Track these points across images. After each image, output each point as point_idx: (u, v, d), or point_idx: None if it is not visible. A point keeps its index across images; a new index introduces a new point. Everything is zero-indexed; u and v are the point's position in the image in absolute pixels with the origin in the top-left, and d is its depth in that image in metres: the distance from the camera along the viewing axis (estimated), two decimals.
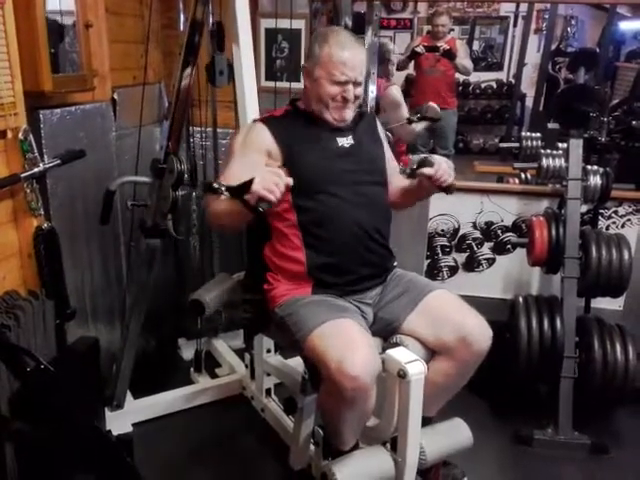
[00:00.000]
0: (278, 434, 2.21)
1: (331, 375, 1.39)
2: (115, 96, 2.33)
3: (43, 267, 1.85)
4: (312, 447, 1.89)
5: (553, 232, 2.24)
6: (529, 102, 6.46)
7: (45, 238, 1.83)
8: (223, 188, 1.43)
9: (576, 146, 2.27)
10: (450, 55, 4.12)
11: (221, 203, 1.51)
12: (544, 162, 2.31)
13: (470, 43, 7.67)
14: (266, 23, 2.64)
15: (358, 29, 2.93)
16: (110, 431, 2.17)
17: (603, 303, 2.56)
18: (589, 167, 2.31)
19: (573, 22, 7.03)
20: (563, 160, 2.30)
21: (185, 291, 2.83)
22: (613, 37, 6.24)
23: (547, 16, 7.03)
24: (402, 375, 1.46)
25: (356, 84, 1.66)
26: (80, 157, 1.98)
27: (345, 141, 1.72)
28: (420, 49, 4.11)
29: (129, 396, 2.29)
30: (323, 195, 1.63)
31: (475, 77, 6.93)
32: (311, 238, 1.64)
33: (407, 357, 1.49)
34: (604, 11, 6.92)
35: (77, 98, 2.12)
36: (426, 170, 1.64)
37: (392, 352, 1.51)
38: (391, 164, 1.87)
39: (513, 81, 6.93)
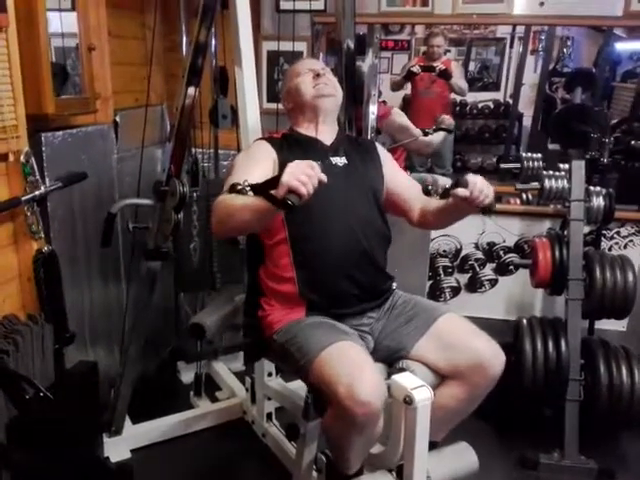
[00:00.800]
0: (280, 460, 2.17)
1: (341, 401, 1.36)
2: (117, 118, 2.33)
3: (43, 291, 1.83)
4: (315, 474, 1.85)
5: (557, 253, 2.22)
6: (526, 121, 6.49)
7: (45, 261, 1.82)
8: (247, 187, 1.35)
9: (578, 167, 2.27)
10: (446, 75, 4.13)
11: (238, 199, 1.40)
12: (546, 183, 2.30)
13: (466, 64, 7.74)
14: (268, 45, 2.65)
15: (358, 51, 2.96)
16: (108, 458, 2.14)
17: (607, 324, 2.54)
18: (592, 188, 2.30)
19: (569, 43, 7.11)
20: (565, 181, 2.29)
21: (184, 310, 2.84)
22: (609, 57, 6.30)
23: (543, 37, 7.12)
24: (408, 402, 1.43)
25: (322, 69, 1.78)
26: (82, 179, 1.98)
27: (339, 160, 1.73)
28: (416, 69, 4.12)
29: (128, 421, 2.25)
30: (314, 210, 1.59)
31: (472, 97, 6.97)
32: (301, 256, 1.63)
33: (413, 383, 1.46)
34: (600, 32, 7.00)
35: (79, 120, 2.12)
36: (460, 192, 1.53)
37: (398, 378, 1.49)
38: (407, 184, 1.87)
39: (510, 101, 6.98)
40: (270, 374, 2.24)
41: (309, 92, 1.75)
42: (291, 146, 1.73)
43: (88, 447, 2.04)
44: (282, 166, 1.59)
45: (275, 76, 2.71)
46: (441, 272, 2.79)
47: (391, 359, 1.66)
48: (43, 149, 1.88)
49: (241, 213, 1.43)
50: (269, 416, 2.29)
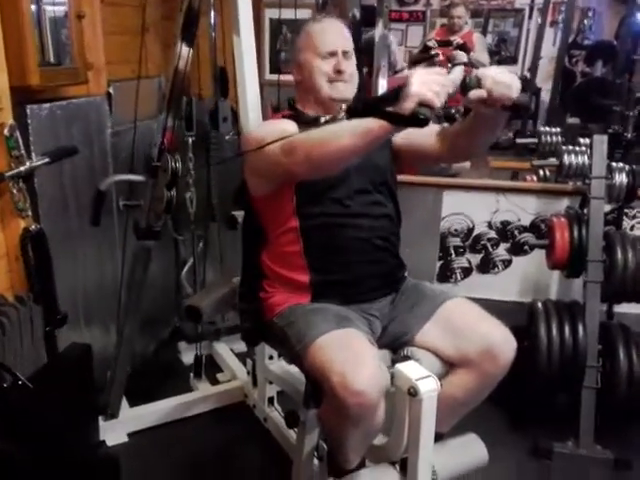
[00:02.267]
0: (281, 445, 2.09)
1: (333, 390, 1.27)
2: (111, 90, 2.21)
3: (31, 270, 1.75)
4: (316, 462, 1.77)
5: (575, 233, 2.09)
6: (544, 96, 6.27)
7: (33, 240, 1.73)
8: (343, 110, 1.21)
9: (600, 142, 2.13)
10: (465, 50, 3.95)
11: (332, 126, 1.26)
12: (565, 159, 2.17)
13: (484, 37, 7.51)
14: (270, 13, 2.52)
15: (368, 22, 2.81)
16: (104, 441, 2.08)
17: (626, 308, 2.41)
18: (614, 164, 2.16)
19: (590, 14, 6.85)
20: (586, 157, 2.15)
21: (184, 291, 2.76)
22: (632, 29, 6.05)
23: (563, 8, 6.86)
24: (413, 393, 1.33)
25: (345, 54, 1.56)
26: (72, 154, 1.88)
27: None
28: (432, 43, 3.94)
29: (125, 404, 2.19)
30: (327, 201, 1.51)
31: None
32: (313, 246, 1.52)
33: (418, 373, 1.36)
34: (622, 2, 6.72)
35: (69, 92, 2.02)
36: (473, 94, 1.28)
37: (402, 367, 1.38)
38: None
39: (528, 75, 6.76)
40: (271, 357, 2.15)
41: (324, 89, 1.55)
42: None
43: (82, 431, 1.99)
44: None
45: (278, 46, 2.57)
46: (452, 252, 2.67)
47: (396, 345, 1.56)
48: (29, 122, 1.77)
49: (343, 139, 1.23)
50: (270, 400, 2.22)
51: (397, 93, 1.14)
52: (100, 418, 2.08)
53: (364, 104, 1.18)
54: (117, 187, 2.01)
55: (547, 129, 2.63)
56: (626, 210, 2.42)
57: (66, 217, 2.03)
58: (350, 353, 1.31)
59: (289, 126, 1.50)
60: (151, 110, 2.54)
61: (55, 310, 1.84)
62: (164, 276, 2.71)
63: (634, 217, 2.45)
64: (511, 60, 7.45)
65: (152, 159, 1.80)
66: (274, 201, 1.54)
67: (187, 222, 2.47)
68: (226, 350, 2.63)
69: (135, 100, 2.02)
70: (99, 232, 2.13)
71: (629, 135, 2.35)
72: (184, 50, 1.73)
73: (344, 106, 1.43)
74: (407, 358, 1.50)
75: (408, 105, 1.11)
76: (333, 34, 1.56)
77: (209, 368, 2.50)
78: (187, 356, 2.63)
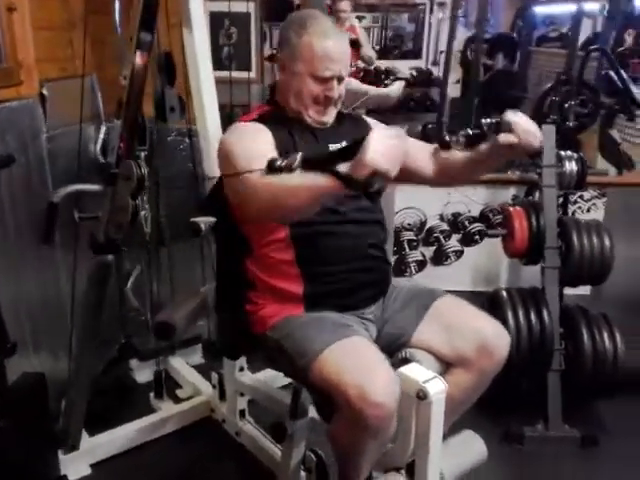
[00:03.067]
0: (258, 458, 2.00)
1: (351, 404, 1.21)
2: (44, 91, 2.01)
3: None
4: (303, 474, 1.71)
5: (533, 222, 2.15)
6: (449, 89, 6.47)
7: None
8: (297, 161, 1.09)
9: (549, 132, 2.20)
10: (356, 44, 3.97)
11: (290, 178, 1.15)
12: None
13: (383, 31, 7.66)
14: (211, 6, 2.39)
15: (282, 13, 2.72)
16: (65, 476, 1.90)
17: (571, 290, 2.52)
18: (563, 153, 2.24)
19: (488, 8, 7.13)
20: None
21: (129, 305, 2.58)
22: (528, 22, 6.38)
23: (463, 2, 7.10)
24: (422, 396, 1.29)
25: (340, 79, 1.46)
26: (8, 164, 1.69)
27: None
28: None
29: (84, 434, 2.01)
30: (321, 211, 1.42)
31: (397, 65, 6.90)
32: (307, 256, 1.44)
33: (424, 375, 1.32)
34: None
35: (1, 95, 1.81)
36: (504, 138, 1.30)
37: (406, 370, 1.35)
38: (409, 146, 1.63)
39: (432, 69, 6.98)
40: (242, 368, 2.05)
41: (306, 104, 1.46)
42: (284, 133, 1.46)
43: (42, 468, 1.81)
44: (281, 153, 1.37)
45: (220, 41, 2.45)
46: (406, 246, 2.68)
47: (393, 347, 1.52)
48: None
49: (300, 194, 1.17)
50: (242, 413, 2.11)
51: (354, 151, 1.07)
52: (59, 451, 1.90)
53: (321, 158, 1.12)
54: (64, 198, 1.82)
55: (488, 121, 2.68)
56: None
57: (4, 233, 1.83)
58: (361, 363, 1.26)
59: (263, 139, 1.41)
60: (85, 112, 2.35)
61: (3, 338, 1.65)
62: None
63: (575, 202, 2.56)
64: (412, 54, 7.65)
65: (107, 166, 1.64)
66: None
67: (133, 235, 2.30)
68: (183, 364, 2.49)
69: (80, 101, 1.84)
70: (40, 248, 1.94)
71: (571, 124, 2.44)
72: (139, 57, 1.58)
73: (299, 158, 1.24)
74: (407, 360, 1.47)
75: (362, 172, 1.06)
76: (335, 60, 1.42)
77: (167, 385, 2.34)
78: (141, 374, 2.47)
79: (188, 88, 2.00)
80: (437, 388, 1.31)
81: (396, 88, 3.35)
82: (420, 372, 1.34)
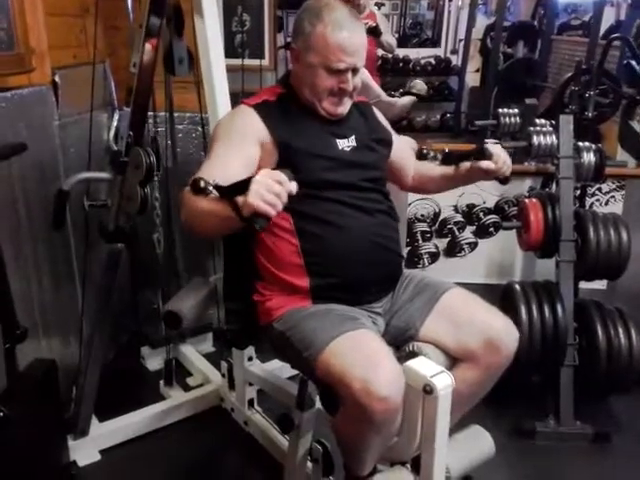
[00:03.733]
0: (266, 448, 2.01)
1: (356, 398, 1.19)
2: (56, 78, 2.01)
3: None
4: (309, 465, 1.70)
5: (549, 214, 2.11)
6: (467, 78, 6.39)
7: None
8: (211, 187, 1.13)
9: (566, 122, 2.15)
10: (376, 32, 3.89)
11: (205, 202, 1.18)
12: (535, 139, 2.17)
13: (402, 19, 7.56)
14: None
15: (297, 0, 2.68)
16: (74, 462, 1.92)
17: (587, 284, 2.47)
18: (581, 144, 2.18)
19: None
20: (554, 137, 2.16)
21: (144, 292, 2.59)
22: (549, 9, 6.26)
23: None
24: (429, 391, 1.27)
25: (355, 71, 1.42)
26: (21, 152, 1.69)
27: (346, 144, 1.49)
28: None
29: (94, 420, 2.02)
30: (320, 198, 1.41)
31: (415, 53, 6.81)
32: (311, 248, 1.42)
33: (432, 369, 1.30)
34: None
35: (11, 82, 1.81)
36: (484, 164, 1.51)
37: (413, 364, 1.32)
38: (402, 148, 1.70)
39: (450, 57, 6.89)
40: (250, 358, 2.05)
41: (320, 96, 1.43)
42: (291, 118, 1.44)
43: (51, 453, 1.82)
44: (280, 146, 1.39)
45: (233, 27, 2.43)
46: (419, 237, 2.64)
47: (400, 340, 1.50)
48: None
49: (207, 218, 1.23)
50: (251, 402, 2.11)
51: (246, 186, 1.09)
52: (68, 437, 1.92)
53: (226, 187, 1.14)
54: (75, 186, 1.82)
55: (506, 110, 2.64)
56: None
57: (16, 221, 1.84)
58: (366, 357, 1.24)
59: (250, 131, 1.40)
60: (97, 99, 2.34)
61: (14, 325, 1.66)
62: (119, 277, 2.53)
63: (593, 195, 2.50)
64: (431, 43, 7.54)
65: (118, 154, 1.64)
66: None
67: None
68: (193, 352, 2.50)
69: (92, 88, 1.83)
70: (52, 235, 1.95)
71: (590, 114, 2.38)
72: (150, 43, 1.56)
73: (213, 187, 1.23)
74: (414, 354, 1.45)
75: (244, 211, 1.08)
76: (350, 52, 1.38)
77: (177, 373, 2.36)
78: (152, 362, 2.48)
79: (199, 76, 1.98)
80: (444, 383, 1.28)
81: (405, 102, 3.28)
82: (427, 366, 1.32)
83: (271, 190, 1.07)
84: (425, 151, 1.63)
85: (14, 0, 1.71)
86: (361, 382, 1.19)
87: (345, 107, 1.48)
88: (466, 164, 1.57)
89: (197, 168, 1.34)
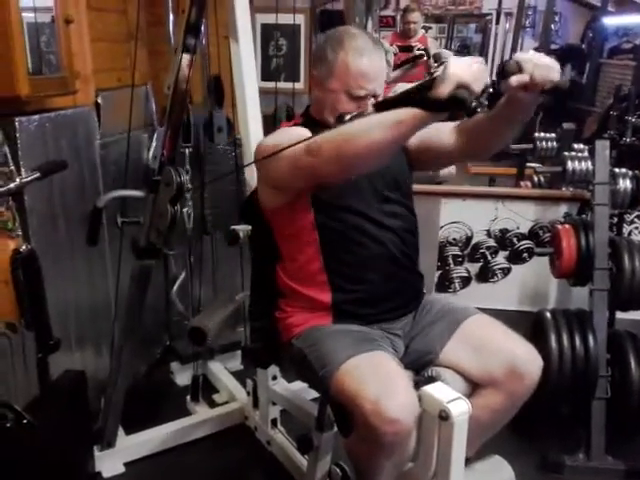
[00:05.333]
0: (287, 469, 2.00)
1: (367, 419, 1.19)
2: (99, 100, 2.10)
3: (22, 295, 1.63)
4: None
5: (582, 241, 2.07)
6: None
7: (24, 262, 1.61)
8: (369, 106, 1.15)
9: (602, 147, 2.11)
10: (427, 54, 3.93)
11: (361, 121, 1.16)
12: (569, 165, 2.14)
13: (449, 42, 7.56)
14: (262, 18, 2.44)
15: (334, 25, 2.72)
16: (100, 473, 1.96)
17: (625, 314, 2.39)
18: (617, 170, 2.14)
19: (556, 18, 6.94)
20: (589, 162, 2.13)
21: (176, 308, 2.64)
22: (598, 33, 6.16)
23: (530, 12, 6.94)
24: (444, 417, 1.26)
25: (375, 97, 1.44)
26: (62, 169, 1.76)
27: None
28: (394, 49, 3.91)
29: (120, 432, 2.07)
30: (347, 213, 1.43)
31: None
32: (334, 261, 1.44)
33: (448, 395, 1.29)
34: (586, 7, 6.84)
35: (57, 103, 1.90)
36: (515, 80, 1.16)
37: (430, 389, 1.31)
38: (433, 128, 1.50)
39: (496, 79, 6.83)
40: (275, 377, 2.07)
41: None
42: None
43: (78, 464, 1.87)
44: None
45: (270, 52, 2.49)
46: (450, 261, 2.62)
47: (419, 364, 1.49)
48: (17, 135, 1.66)
49: (374, 133, 1.14)
50: (274, 422, 2.12)
51: (430, 82, 1.07)
52: (95, 448, 1.96)
53: (395, 96, 1.11)
54: (110, 203, 1.89)
55: (542, 134, 2.61)
56: (624, 215, 2.41)
57: (56, 235, 1.92)
58: (381, 378, 1.24)
59: (304, 132, 1.40)
60: (138, 120, 2.44)
61: (48, 335, 1.72)
62: (153, 293, 2.58)
63: (632, 222, 2.44)
64: None
65: (152, 172, 1.70)
66: (290, 214, 1.45)
67: (179, 237, 2.35)
68: (221, 369, 2.52)
69: (130, 110, 1.91)
70: (90, 250, 2.02)
71: (627, 140, 2.34)
72: (185, 60, 1.63)
73: (371, 104, 1.32)
74: (432, 379, 1.44)
75: (445, 88, 1.05)
76: (370, 79, 1.40)
77: (204, 389, 2.39)
78: (181, 377, 2.52)
79: (234, 99, 2.04)
80: (460, 409, 1.27)
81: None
82: (444, 392, 1.31)
83: (473, 65, 1.08)
84: (473, 104, 1.43)
85: (61, 27, 1.80)
86: (372, 403, 1.19)
87: None
88: None
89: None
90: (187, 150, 2.03)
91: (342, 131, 1.23)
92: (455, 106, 1.05)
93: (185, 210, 2.03)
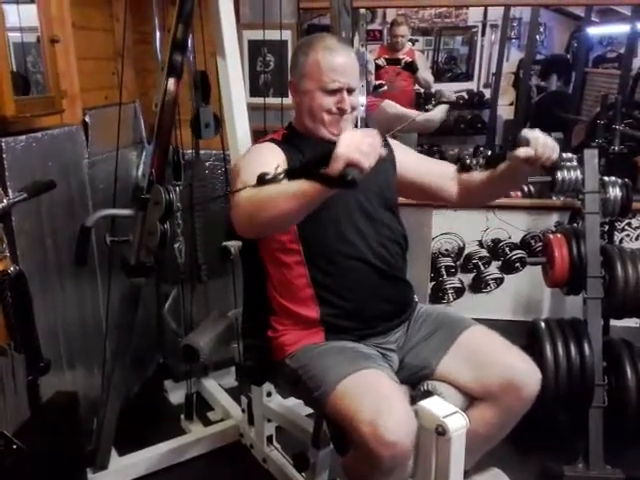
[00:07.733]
0: None
1: (364, 441, 1.18)
2: (87, 119, 2.09)
3: (11, 317, 1.61)
4: None
5: (574, 250, 2.07)
6: (500, 111, 6.38)
7: (12, 283, 1.59)
8: (280, 174, 1.14)
9: (591, 156, 2.12)
10: (412, 68, 3.96)
11: (272, 188, 1.17)
12: (559, 174, 2.14)
13: (435, 54, 7.62)
14: (248, 35, 2.44)
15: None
16: None
17: (619, 321, 2.39)
18: (606, 178, 2.15)
19: (541, 29, 7.01)
20: (579, 171, 2.13)
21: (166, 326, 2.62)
22: (583, 43, 6.23)
23: (515, 24, 7.01)
24: (441, 432, 1.25)
25: (350, 91, 1.47)
26: (50, 189, 1.74)
27: None
28: (381, 61, 3.93)
29: (113, 453, 2.03)
30: (331, 225, 1.43)
31: (447, 87, 6.85)
32: (320, 275, 1.43)
33: (445, 410, 1.28)
34: (570, 17, 6.93)
35: (44, 122, 1.89)
36: (522, 152, 1.32)
37: (426, 404, 1.30)
38: (430, 165, 1.71)
39: (483, 91, 6.91)
40: (269, 394, 2.04)
41: (321, 118, 1.48)
42: (298, 152, 1.49)
43: None
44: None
45: (257, 68, 2.49)
46: (443, 272, 2.62)
47: (415, 378, 1.48)
48: (4, 156, 1.65)
49: (280, 203, 1.18)
50: (269, 439, 2.10)
51: (329, 155, 1.10)
52: (88, 470, 1.93)
53: (301, 166, 1.16)
54: (97, 222, 1.87)
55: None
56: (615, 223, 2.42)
57: (45, 256, 1.90)
58: (376, 398, 1.23)
59: (271, 155, 1.43)
60: (127, 138, 2.43)
61: (38, 357, 1.70)
62: (144, 311, 2.57)
63: (623, 230, 2.45)
64: (465, 77, 7.57)
65: (140, 190, 1.68)
66: None
67: (172, 275, 2.36)
68: (215, 386, 2.50)
69: (117, 128, 1.90)
70: (79, 270, 2.00)
71: (616, 148, 2.35)
72: (171, 83, 1.63)
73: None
74: (429, 393, 1.43)
75: (336, 167, 1.07)
76: (342, 72, 1.45)
77: (198, 406, 2.36)
78: (174, 395, 2.49)
79: (222, 113, 2.03)
80: (457, 424, 1.25)
81: (439, 112, 3.31)
82: (441, 406, 1.29)
83: (363, 141, 1.08)
84: (468, 161, 1.59)
85: (46, 47, 1.79)
86: (369, 426, 1.17)
87: (347, 125, 1.50)
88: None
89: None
90: (178, 188, 2.02)
91: (254, 199, 1.23)
92: (344, 184, 1.08)
93: (176, 246, 2.02)
